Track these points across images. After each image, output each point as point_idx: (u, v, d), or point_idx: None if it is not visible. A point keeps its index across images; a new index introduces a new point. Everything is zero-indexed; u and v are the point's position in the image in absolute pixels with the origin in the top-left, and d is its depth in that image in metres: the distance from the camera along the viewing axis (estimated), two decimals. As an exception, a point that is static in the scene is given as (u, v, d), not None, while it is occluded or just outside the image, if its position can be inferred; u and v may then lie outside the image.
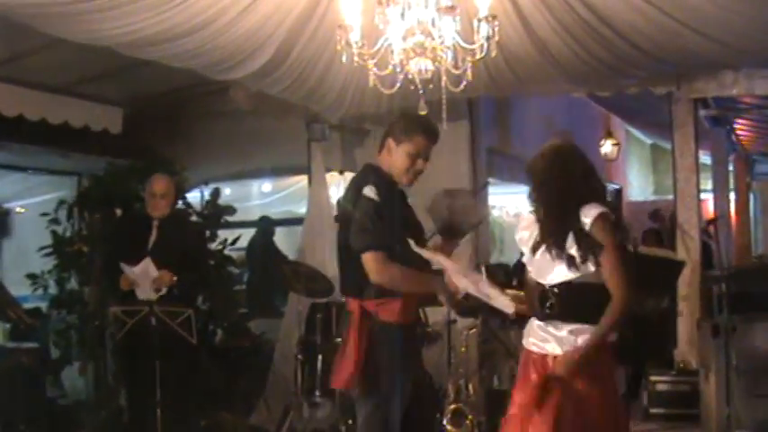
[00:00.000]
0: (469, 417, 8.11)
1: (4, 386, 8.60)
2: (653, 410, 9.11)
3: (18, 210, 13.38)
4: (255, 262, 13.47)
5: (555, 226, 5.00)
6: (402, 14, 5.76)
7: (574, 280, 4.90)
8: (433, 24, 5.81)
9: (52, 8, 6.11)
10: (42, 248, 10.02)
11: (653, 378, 9.17)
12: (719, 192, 13.80)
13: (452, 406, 8.15)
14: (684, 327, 9.38)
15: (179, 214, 8.57)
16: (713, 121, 12.48)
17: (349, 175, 11.85)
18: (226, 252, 10.79)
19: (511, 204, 18.43)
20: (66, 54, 8.00)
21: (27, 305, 9.80)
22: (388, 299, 5.31)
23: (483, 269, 8.98)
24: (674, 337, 9.59)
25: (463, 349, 8.81)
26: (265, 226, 13.64)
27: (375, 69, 6.02)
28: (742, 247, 15.73)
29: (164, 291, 7.60)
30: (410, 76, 5.96)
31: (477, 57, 5.90)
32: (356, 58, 5.91)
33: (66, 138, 9.95)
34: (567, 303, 4.94)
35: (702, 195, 10.28)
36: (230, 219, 11.07)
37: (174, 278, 7.60)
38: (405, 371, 5.32)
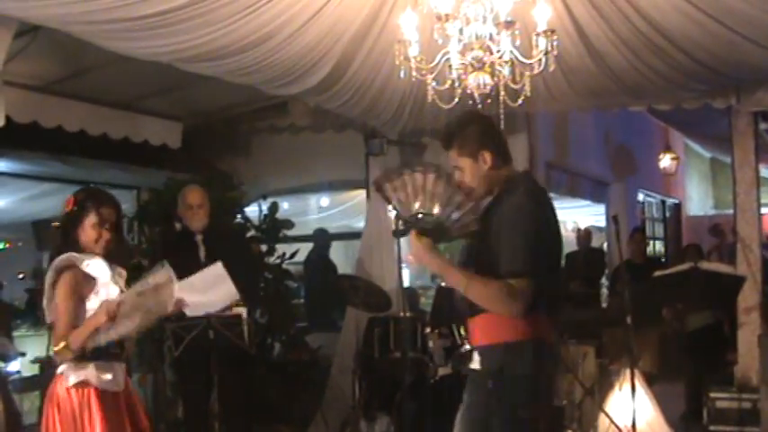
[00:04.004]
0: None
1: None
2: (713, 428, 9.00)
3: (80, 223, 13.51)
4: (312, 276, 13.49)
5: None
6: (461, 30, 5.78)
7: None
8: (492, 39, 5.82)
9: (112, 24, 6.17)
10: (103, 262, 10.10)
11: (713, 395, 9.05)
12: (780, 206, 13.64)
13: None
14: (745, 343, 9.26)
15: (218, 224, 8.51)
16: (774, 135, 12.36)
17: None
18: (284, 266, 10.81)
19: (569, 219, 18.37)
20: (126, 70, 8.09)
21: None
22: None
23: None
24: (734, 354, 9.48)
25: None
26: (321, 239, 13.65)
27: (434, 84, 6.04)
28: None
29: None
30: (469, 91, 5.97)
31: (536, 71, 5.92)
32: (414, 73, 5.94)
33: (126, 152, 10.06)
34: None
35: (763, 209, 10.16)
36: (288, 233, 11.10)
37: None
38: None
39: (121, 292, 5.26)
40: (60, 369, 5.15)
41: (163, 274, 5.24)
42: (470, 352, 4.73)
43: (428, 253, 4.53)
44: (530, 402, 4.45)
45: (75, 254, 5.18)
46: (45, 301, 5.23)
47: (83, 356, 5.06)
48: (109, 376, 5.14)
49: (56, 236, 5.34)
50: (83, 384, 5.06)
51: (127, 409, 5.28)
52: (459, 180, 4.71)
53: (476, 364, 4.64)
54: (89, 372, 5.08)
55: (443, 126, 5.01)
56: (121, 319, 5.06)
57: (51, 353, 5.36)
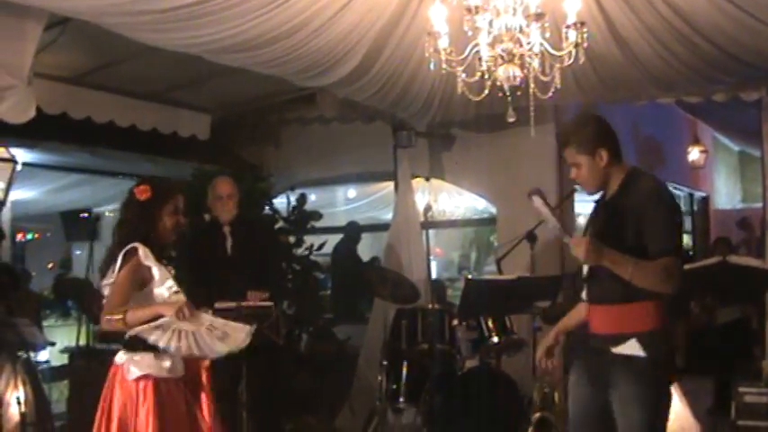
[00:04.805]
0: (555, 425, 8.07)
1: (95, 386, 8.72)
2: (741, 423, 8.94)
3: (108, 214, 13.60)
4: (340, 267, 13.52)
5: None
6: (490, 22, 5.77)
7: None
8: (522, 31, 5.81)
9: (143, 16, 6.20)
10: (131, 252, 10.14)
11: (741, 389, 8.99)
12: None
13: (538, 414, 8.11)
14: (773, 337, 9.23)
15: (246, 215, 8.50)
16: (804, 128, 12.27)
17: (435, 182, 11.90)
18: (312, 257, 10.84)
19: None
20: (155, 62, 8.13)
21: (116, 308, 9.93)
22: None
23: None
24: (762, 348, 9.44)
25: (549, 357, 8.77)
26: (352, 231, 13.68)
27: (463, 76, 6.03)
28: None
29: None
30: (498, 83, 5.96)
31: (566, 63, 5.91)
32: (444, 65, 5.94)
33: (155, 143, 10.10)
34: None
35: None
36: (316, 224, 11.12)
37: (266, 295, 7.52)
38: None
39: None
40: (119, 360, 5.20)
41: (241, 333, 5.31)
42: (618, 337, 4.95)
43: (597, 248, 4.78)
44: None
45: (139, 245, 5.21)
46: (104, 282, 5.28)
47: (141, 347, 5.11)
48: (167, 363, 5.18)
49: (123, 224, 5.34)
50: (144, 377, 5.11)
51: (191, 393, 5.35)
52: (576, 175, 5.19)
53: (635, 350, 4.87)
54: (150, 363, 5.13)
55: (561, 126, 5.36)
56: (184, 330, 5.11)
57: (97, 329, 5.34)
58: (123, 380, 5.13)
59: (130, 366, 5.12)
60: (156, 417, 5.05)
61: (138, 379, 5.10)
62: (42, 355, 9.94)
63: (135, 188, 5.36)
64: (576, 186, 9.71)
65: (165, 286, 5.23)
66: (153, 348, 5.11)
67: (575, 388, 5.32)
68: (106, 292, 5.26)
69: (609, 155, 5.08)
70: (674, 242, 4.89)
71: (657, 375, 4.87)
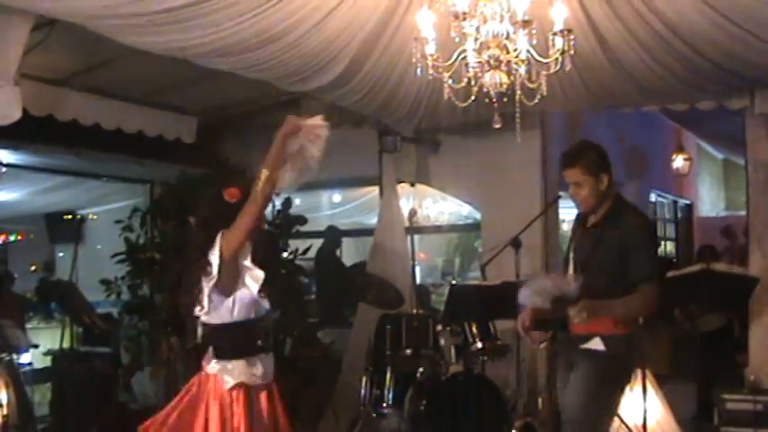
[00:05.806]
0: (539, 431, 8.08)
1: (78, 389, 8.70)
2: (723, 429, 8.96)
3: (92, 216, 13.58)
4: (323, 271, 13.51)
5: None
6: (477, 28, 5.77)
7: None
8: (508, 38, 5.82)
9: (129, 19, 6.19)
10: (116, 255, 10.14)
11: (724, 396, 9.02)
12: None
13: (521, 420, 8.12)
14: (756, 345, 9.24)
15: None
16: (788, 136, 12.29)
17: (420, 187, 11.89)
18: (296, 262, 10.82)
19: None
20: (141, 65, 8.09)
21: (100, 310, 9.93)
22: None
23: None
24: (744, 356, 9.45)
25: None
26: (333, 235, 13.67)
27: (450, 82, 6.04)
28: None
29: None
30: (485, 90, 5.97)
31: (552, 70, 5.91)
32: (431, 71, 5.94)
33: (140, 146, 10.07)
34: None
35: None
36: (301, 228, 11.11)
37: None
38: None
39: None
40: (212, 369, 5.20)
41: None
42: (586, 336, 5.82)
43: (592, 309, 5.57)
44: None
45: None
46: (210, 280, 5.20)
47: (231, 355, 5.17)
48: (259, 370, 5.24)
49: (208, 224, 5.30)
50: (238, 386, 5.13)
51: (269, 399, 5.35)
52: (576, 193, 5.96)
53: (597, 345, 5.75)
54: (243, 371, 5.16)
55: (569, 147, 6.12)
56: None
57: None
58: (218, 389, 5.13)
59: (225, 376, 5.14)
60: (247, 425, 5.09)
61: (232, 388, 5.12)
62: (25, 358, 9.92)
63: (225, 190, 5.32)
64: (561, 194, 9.78)
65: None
66: (244, 355, 5.18)
67: (559, 376, 6.18)
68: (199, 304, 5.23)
69: (609, 181, 5.87)
70: (652, 270, 5.72)
71: (610, 367, 5.70)
